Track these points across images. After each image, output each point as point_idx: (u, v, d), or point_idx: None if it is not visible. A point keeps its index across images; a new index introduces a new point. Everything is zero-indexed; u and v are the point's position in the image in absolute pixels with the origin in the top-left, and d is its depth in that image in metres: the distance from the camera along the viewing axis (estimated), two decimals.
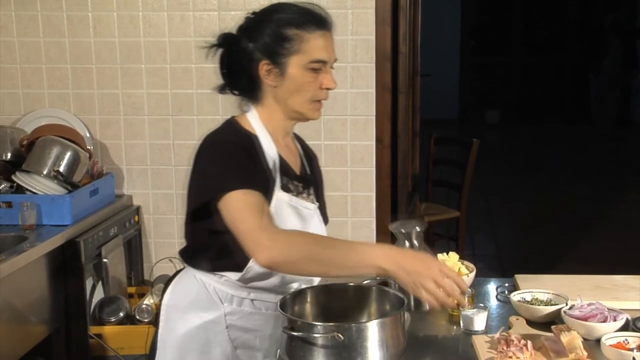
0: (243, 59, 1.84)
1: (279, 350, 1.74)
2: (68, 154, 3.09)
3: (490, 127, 12.09)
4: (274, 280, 1.87)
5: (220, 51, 1.88)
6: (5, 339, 2.58)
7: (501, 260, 5.71)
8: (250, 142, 1.84)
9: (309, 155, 2.07)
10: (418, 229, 1.87)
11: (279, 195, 1.84)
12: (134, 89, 3.45)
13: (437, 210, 4.78)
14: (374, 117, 3.32)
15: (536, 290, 2.13)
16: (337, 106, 3.32)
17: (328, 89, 1.85)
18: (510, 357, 1.71)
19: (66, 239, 2.92)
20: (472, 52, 12.81)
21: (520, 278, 2.30)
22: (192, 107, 3.44)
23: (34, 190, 3.02)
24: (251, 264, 1.80)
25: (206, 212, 1.78)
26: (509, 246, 6.07)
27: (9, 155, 3.17)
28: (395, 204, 3.45)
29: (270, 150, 1.86)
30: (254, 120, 1.89)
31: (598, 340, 1.82)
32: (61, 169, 3.06)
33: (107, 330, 3.08)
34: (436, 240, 5.00)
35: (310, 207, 1.93)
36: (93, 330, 3.06)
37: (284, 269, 1.72)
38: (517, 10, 12.68)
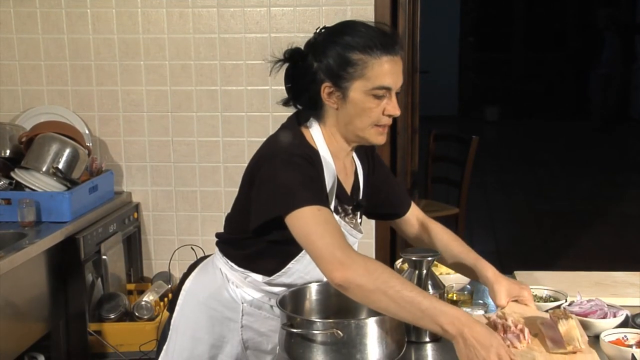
0: (307, 78, 1.79)
1: (278, 348, 1.75)
2: (67, 151, 3.09)
3: (489, 123, 12.09)
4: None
5: (286, 66, 1.84)
6: (4, 336, 2.59)
7: (500, 257, 5.71)
8: (313, 157, 1.78)
9: (367, 161, 2.01)
10: (430, 258, 1.87)
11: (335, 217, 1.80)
12: (133, 86, 3.45)
13: (437, 207, 4.78)
14: None
15: (535, 286, 2.13)
16: None
17: (390, 116, 1.79)
18: (508, 345, 1.70)
19: (65, 235, 2.92)
20: (472, 49, 12.80)
21: (519, 274, 2.30)
22: (191, 103, 3.44)
23: (33, 187, 3.02)
24: (281, 272, 1.82)
25: (273, 224, 1.73)
26: (509, 243, 6.07)
27: (8, 152, 3.17)
28: None
29: (330, 170, 1.82)
30: (317, 136, 1.84)
31: (597, 337, 1.82)
32: (60, 166, 3.06)
33: (107, 327, 3.08)
34: None
35: (357, 236, 1.92)
36: (92, 327, 3.06)
37: (355, 293, 1.62)
38: (516, 6, 12.68)
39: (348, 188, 1.92)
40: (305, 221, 1.65)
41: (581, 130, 11.02)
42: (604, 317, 1.90)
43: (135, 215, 3.48)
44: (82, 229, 3.02)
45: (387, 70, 1.74)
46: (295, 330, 1.65)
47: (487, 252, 5.80)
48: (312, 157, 1.77)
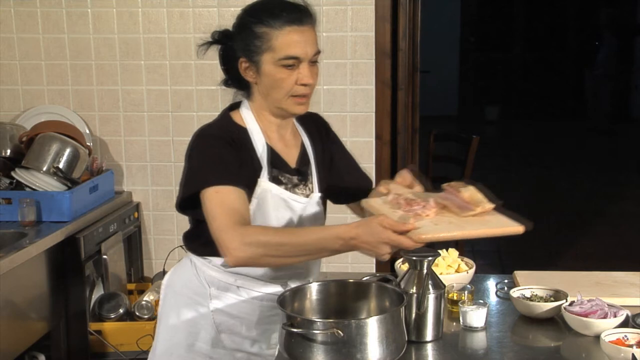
0: (231, 57, 1.89)
1: (278, 347, 1.75)
2: (67, 151, 3.09)
3: (489, 123, 12.09)
4: (257, 270, 1.91)
5: (218, 48, 1.94)
6: (5, 335, 2.59)
7: (501, 256, 5.71)
8: (238, 135, 1.87)
9: (320, 137, 2.06)
10: (430, 258, 1.87)
11: (265, 186, 1.87)
12: (133, 86, 3.45)
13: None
14: (373, 114, 3.32)
15: (536, 286, 2.13)
16: (337, 103, 3.32)
17: (304, 84, 1.85)
18: (419, 214, 1.70)
19: (66, 235, 2.92)
20: (472, 49, 12.80)
21: (519, 274, 2.31)
22: (191, 103, 3.44)
23: (33, 187, 3.02)
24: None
25: (193, 202, 1.83)
26: (509, 242, 6.05)
27: (9, 151, 3.18)
28: None
29: (260, 143, 1.89)
30: (247, 114, 1.93)
31: (598, 337, 1.82)
32: (61, 166, 3.06)
33: (107, 326, 3.08)
34: None
35: (301, 200, 1.94)
36: (93, 326, 3.06)
37: (251, 266, 1.79)
38: (516, 6, 12.67)
39: (290, 159, 1.96)
40: (207, 201, 1.76)
41: (581, 129, 11.02)
42: (604, 317, 1.90)
43: (136, 214, 3.48)
44: (83, 229, 3.02)
45: (292, 40, 1.81)
46: (295, 330, 1.65)
47: (487, 252, 5.85)
48: (233, 136, 1.85)
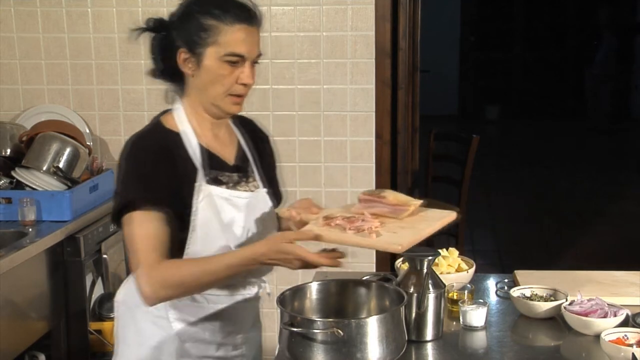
0: (167, 46, 1.83)
1: (278, 346, 1.75)
2: (68, 150, 3.09)
3: (490, 122, 12.09)
4: None
5: (151, 36, 1.89)
6: (5, 335, 2.59)
7: (501, 256, 5.71)
8: (171, 143, 1.82)
9: (255, 140, 2.03)
10: (430, 258, 1.87)
11: (206, 189, 1.82)
12: (133, 85, 3.45)
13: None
14: (373, 113, 3.32)
15: (536, 286, 2.13)
16: (337, 102, 3.32)
17: (244, 84, 1.82)
18: (365, 229, 1.70)
19: (66, 234, 2.92)
20: (472, 48, 12.79)
21: (519, 274, 2.31)
22: None
23: (33, 186, 3.02)
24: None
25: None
26: (509, 242, 6.07)
27: (9, 151, 3.17)
28: None
29: (194, 146, 1.84)
30: (179, 116, 1.87)
31: (598, 336, 1.82)
32: (61, 165, 3.06)
33: (107, 326, 3.08)
34: (436, 236, 4.98)
35: (243, 196, 1.89)
36: (93, 326, 3.06)
37: (165, 301, 1.80)
38: (516, 5, 12.67)
39: (228, 157, 1.92)
40: (130, 228, 1.75)
41: (581, 129, 11.01)
42: (604, 317, 1.90)
43: None
44: (83, 228, 3.02)
45: (240, 38, 1.77)
46: (295, 330, 1.65)
47: (487, 251, 5.85)
48: (166, 144, 1.81)
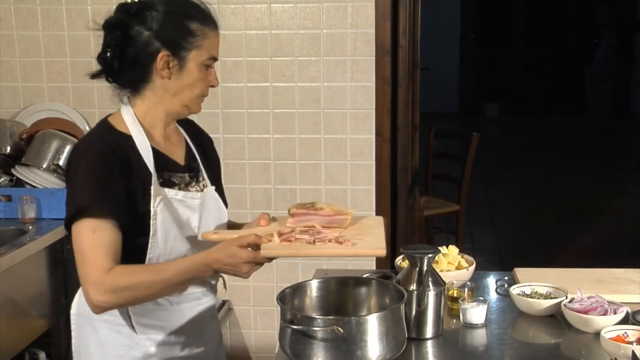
0: (136, 47, 1.78)
1: (278, 344, 1.75)
2: (68, 148, 3.09)
3: (490, 120, 12.10)
4: None
5: (105, 35, 1.84)
6: (5, 333, 2.59)
7: (501, 253, 5.72)
8: (122, 145, 1.80)
9: (200, 141, 2.03)
10: (430, 255, 1.87)
11: (159, 192, 1.81)
12: None
13: (437, 203, 4.78)
14: (373, 111, 3.32)
15: (536, 283, 2.13)
16: (337, 100, 3.32)
17: (212, 86, 1.86)
18: (324, 240, 1.73)
19: (66, 232, 2.91)
20: (472, 45, 12.80)
21: (519, 271, 2.31)
22: None
23: (33, 184, 3.02)
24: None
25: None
26: (509, 239, 6.08)
27: (9, 148, 3.17)
28: (395, 197, 3.45)
29: (145, 148, 1.82)
30: (128, 117, 1.86)
31: (598, 334, 1.82)
32: (61, 163, 3.06)
33: None
34: (436, 234, 5.01)
35: (196, 197, 1.90)
36: None
37: (113, 308, 1.77)
38: (516, 3, 12.67)
39: (178, 157, 1.92)
40: (78, 237, 1.73)
41: (581, 127, 11.02)
42: (604, 314, 1.90)
43: None
44: None
45: (217, 43, 1.84)
46: (296, 327, 1.65)
47: (487, 249, 5.85)
48: (118, 145, 1.78)
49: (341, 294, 1.86)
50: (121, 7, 1.83)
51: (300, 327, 1.64)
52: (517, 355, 1.83)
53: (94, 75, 1.87)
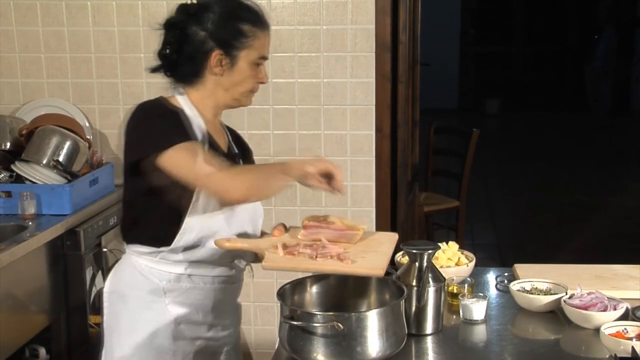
0: (192, 46, 1.92)
1: (278, 340, 1.75)
2: (67, 144, 3.08)
3: (490, 116, 12.09)
4: (204, 252, 1.93)
5: (165, 33, 1.96)
6: (5, 329, 2.59)
7: (501, 249, 5.72)
8: (180, 113, 1.93)
9: (241, 146, 2.17)
10: (430, 251, 1.87)
11: None
12: (133, 79, 3.44)
13: (437, 200, 4.78)
14: (373, 107, 3.32)
15: (536, 279, 2.13)
16: (337, 96, 3.31)
17: (262, 83, 2.00)
18: (326, 255, 1.73)
19: (66, 228, 2.92)
20: (472, 42, 12.79)
21: (519, 267, 2.31)
22: None
23: (33, 180, 3.02)
24: (179, 236, 1.90)
25: (141, 171, 1.85)
26: (509, 235, 6.08)
27: (8, 144, 3.17)
28: (395, 193, 3.45)
29: (198, 124, 1.94)
30: (183, 100, 1.97)
31: (597, 330, 1.82)
32: (61, 159, 3.05)
33: None
34: (436, 230, 5.01)
35: None
36: (93, 319, 3.06)
37: (245, 200, 1.86)
38: None
39: (223, 145, 2.05)
40: (180, 156, 1.80)
41: (582, 123, 11.02)
42: (604, 310, 1.90)
43: None
44: (83, 222, 3.02)
45: (267, 43, 1.99)
46: (295, 323, 1.65)
47: (487, 245, 5.86)
48: (173, 111, 1.92)
49: (341, 290, 1.87)
50: (182, 8, 1.97)
51: (300, 323, 1.65)
52: (517, 351, 1.83)
53: (153, 70, 1.99)
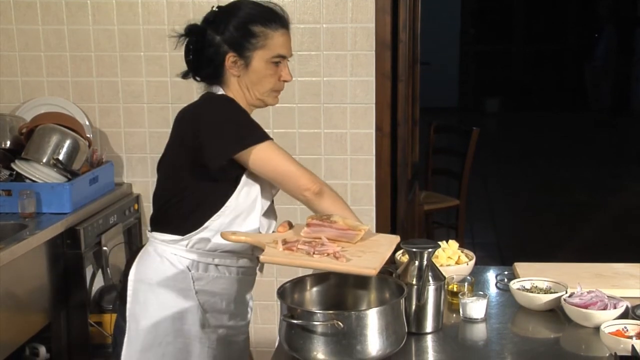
0: (210, 50, 2.02)
1: (278, 338, 1.75)
2: (67, 142, 3.08)
3: (490, 115, 12.09)
4: (230, 244, 1.99)
5: (186, 40, 2.07)
6: (5, 327, 2.59)
7: (501, 248, 5.72)
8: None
9: None
10: (430, 250, 1.87)
11: None
12: (133, 77, 3.44)
13: (437, 198, 4.78)
14: (373, 105, 3.32)
15: (536, 278, 2.13)
16: (337, 94, 3.31)
17: (285, 81, 2.07)
18: (335, 253, 1.74)
19: (66, 227, 2.92)
20: (472, 40, 12.78)
21: (519, 266, 2.31)
22: (191, 94, 3.40)
23: (33, 179, 3.02)
24: (210, 221, 1.99)
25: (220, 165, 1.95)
26: (509, 234, 6.08)
27: (9, 143, 3.17)
28: (395, 192, 3.45)
29: None
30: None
31: (597, 328, 1.82)
32: (61, 157, 3.05)
33: (107, 318, 3.09)
34: (436, 228, 5.01)
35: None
36: (93, 318, 3.07)
37: (325, 199, 1.97)
38: None
39: None
40: (273, 153, 1.96)
41: (582, 122, 11.02)
42: (604, 309, 1.90)
43: (136, 206, 3.48)
44: (83, 220, 3.02)
45: (283, 41, 2.04)
46: (295, 322, 1.65)
47: (487, 244, 5.86)
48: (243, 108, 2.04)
49: (341, 289, 1.86)
50: (205, 16, 2.06)
51: (300, 321, 1.65)
52: (517, 349, 1.83)
53: (184, 76, 2.12)
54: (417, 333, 1.88)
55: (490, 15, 12.82)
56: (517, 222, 6.42)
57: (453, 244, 2.30)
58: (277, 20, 2.03)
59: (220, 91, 2.06)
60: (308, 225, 1.86)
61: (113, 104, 3.48)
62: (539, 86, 12.46)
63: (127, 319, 2.06)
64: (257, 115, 3.35)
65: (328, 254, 1.74)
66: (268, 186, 2.06)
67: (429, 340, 1.87)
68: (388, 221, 3.39)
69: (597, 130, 10.39)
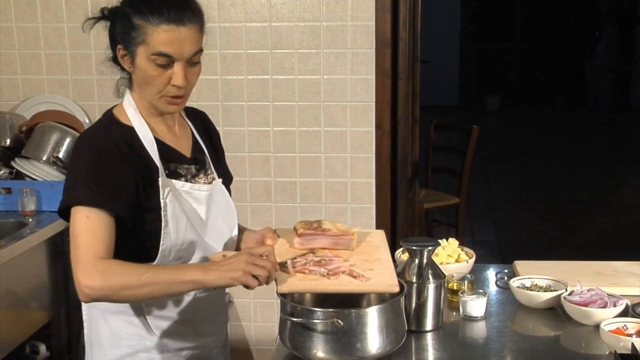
0: (111, 42, 1.87)
1: (278, 337, 1.75)
2: (67, 140, 3.09)
3: (490, 113, 12.09)
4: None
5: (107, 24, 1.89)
6: (6, 325, 2.59)
7: (500, 246, 5.72)
8: (126, 138, 1.80)
9: (208, 134, 2.04)
10: (430, 248, 1.87)
11: (167, 184, 1.80)
12: None
13: (437, 196, 4.78)
14: (373, 104, 3.32)
15: (535, 276, 2.13)
16: (337, 92, 3.31)
17: (175, 85, 1.76)
18: (337, 271, 1.72)
19: (66, 225, 2.90)
20: (473, 39, 12.78)
21: (519, 264, 2.31)
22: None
23: (33, 177, 3.02)
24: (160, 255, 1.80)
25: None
26: (509, 232, 6.08)
27: (8, 141, 3.17)
28: (395, 190, 3.44)
29: (148, 140, 1.82)
30: (130, 109, 1.86)
31: (597, 326, 1.82)
32: (61, 155, 3.06)
33: None
34: (436, 226, 5.01)
35: (203, 189, 1.89)
36: None
37: (104, 301, 1.71)
38: None
39: (184, 149, 1.91)
40: (73, 223, 1.70)
41: (582, 120, 11.02)
42: (604, 307, 1.90)
43: None
44: None
45: (166, 39, 1.73)
46: (296, 320, 1.65)
47: (487, 242, 5.86)
48: (121, 140, 1.78)
49: None
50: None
51: (300, 319, 1.65)
52: (517, 347, 1.83)
53: (112, 60, 1.93)
54: (417, 331, 1.88)
55: (491, 14, 12.81)
56: (517, 220, 6.42)
57: (453, 242, 2.30)
58: (162, 12, 1.72)
59: (126, 96, 1.88)
60: (299, 235, 1.85)
61: (113, 102, 3.46)
62: (540, 84, 12.46)
63: (85, 344, 1.96)
64: (257, 114, 3.36)
65: (342, 272, 1.72)
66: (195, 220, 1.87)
67: (429, 338, 1.87)
68: (388, 219, 3.39)
69: (598, 128, 10.39)
